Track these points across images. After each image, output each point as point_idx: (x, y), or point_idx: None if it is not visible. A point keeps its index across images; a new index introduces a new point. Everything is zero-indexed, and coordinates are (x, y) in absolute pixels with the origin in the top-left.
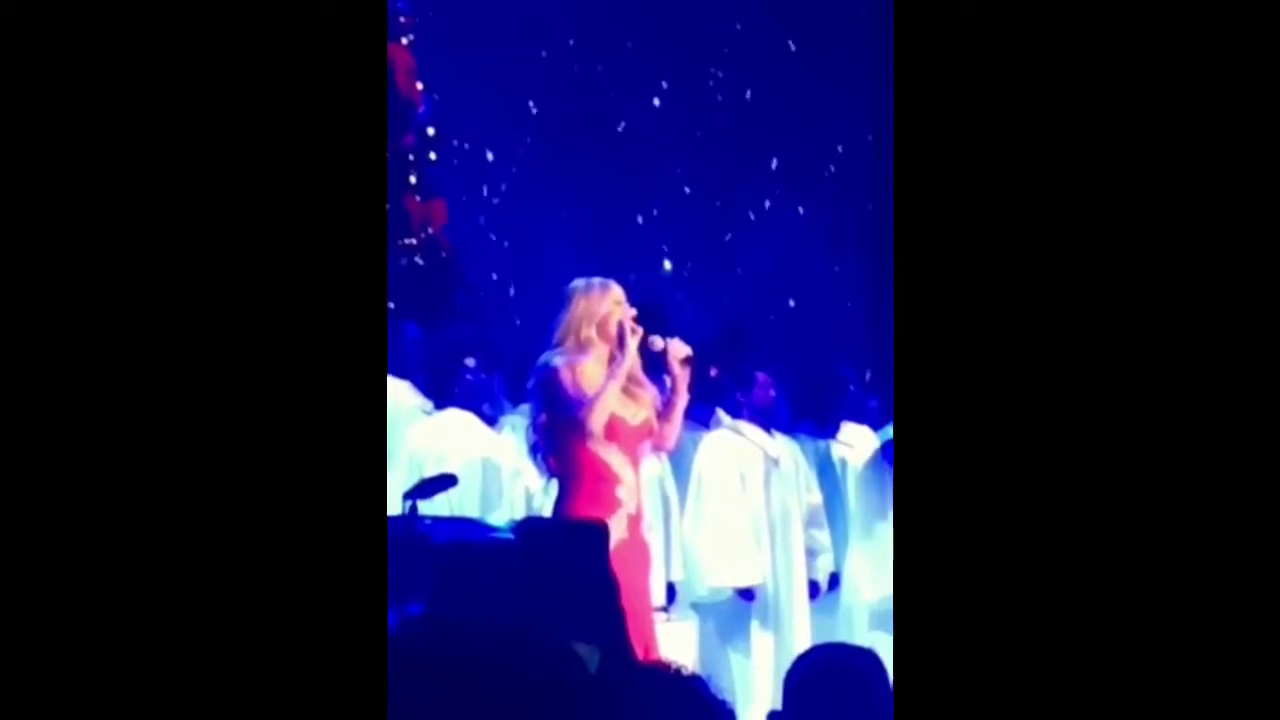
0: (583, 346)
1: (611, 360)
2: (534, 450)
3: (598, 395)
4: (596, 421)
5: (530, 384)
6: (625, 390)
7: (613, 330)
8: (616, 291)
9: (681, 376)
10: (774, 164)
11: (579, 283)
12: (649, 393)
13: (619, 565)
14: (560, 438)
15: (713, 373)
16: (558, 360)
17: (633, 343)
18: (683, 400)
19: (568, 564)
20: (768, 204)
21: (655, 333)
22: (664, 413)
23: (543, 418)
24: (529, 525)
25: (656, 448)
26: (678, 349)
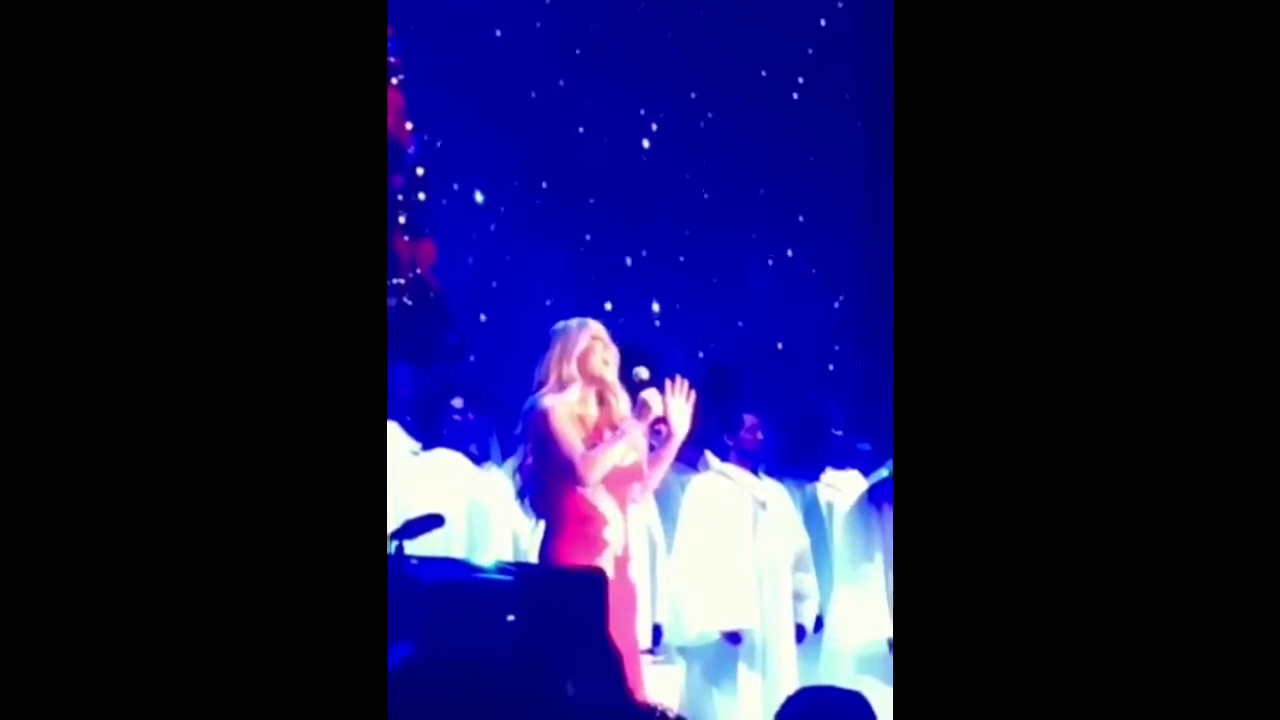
0: (564, 384)
1: (603, 401)
2: (521, 492)
3: (601, 453)
4: (594, 477)
5: (519, 426)
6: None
7: (592, 366)
8: (595, 327)
9: (679, 427)
10: (763, 206)
11: (559, 325)
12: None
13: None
14: (548, 479)
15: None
16: (546, 402)
17: (652, 400)
18: (674, 449)
19: (565, 613)
20: (757, 246)
21: (643, 374)
22: (651, 458)
23: (530, 459)
24: (525, 570)
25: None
26: (679, 409)
